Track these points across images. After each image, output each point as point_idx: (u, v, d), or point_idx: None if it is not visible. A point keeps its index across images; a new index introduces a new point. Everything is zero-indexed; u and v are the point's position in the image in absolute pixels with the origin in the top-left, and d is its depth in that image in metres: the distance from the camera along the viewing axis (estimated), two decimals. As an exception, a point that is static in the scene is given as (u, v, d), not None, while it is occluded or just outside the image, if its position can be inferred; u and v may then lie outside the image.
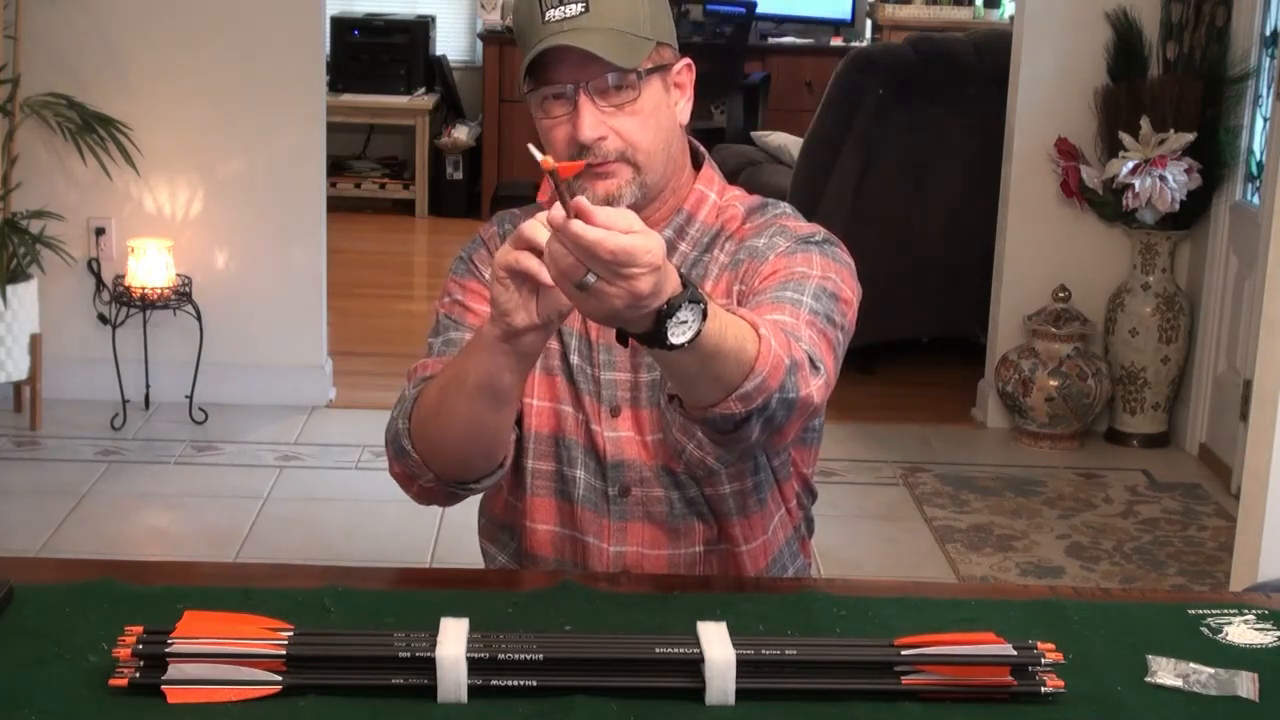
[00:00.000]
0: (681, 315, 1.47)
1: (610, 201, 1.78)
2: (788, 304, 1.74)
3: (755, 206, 1.92)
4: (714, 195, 1.92)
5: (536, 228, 1.54)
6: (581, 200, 1.41)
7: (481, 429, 1.73)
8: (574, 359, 1.89)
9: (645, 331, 1.49)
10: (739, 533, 1.91)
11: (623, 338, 1.55)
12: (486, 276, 1.86)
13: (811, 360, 1.67)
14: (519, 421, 1.87)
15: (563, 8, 1.74)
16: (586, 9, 1.74)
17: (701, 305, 1.48)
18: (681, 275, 1.49)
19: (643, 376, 1.87)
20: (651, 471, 1.88)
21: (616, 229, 1.41)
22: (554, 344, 1.89)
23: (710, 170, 1.94)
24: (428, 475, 1.79)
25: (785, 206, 1.93)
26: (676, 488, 1.89)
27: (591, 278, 1.42)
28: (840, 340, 1.79)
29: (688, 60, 1.86)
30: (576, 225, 1.40)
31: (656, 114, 1.81)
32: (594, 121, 1.76)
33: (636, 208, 1.72)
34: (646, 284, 1.43)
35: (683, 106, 1.87)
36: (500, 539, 1.99)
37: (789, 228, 1.87)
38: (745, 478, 1.89)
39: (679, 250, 1.88)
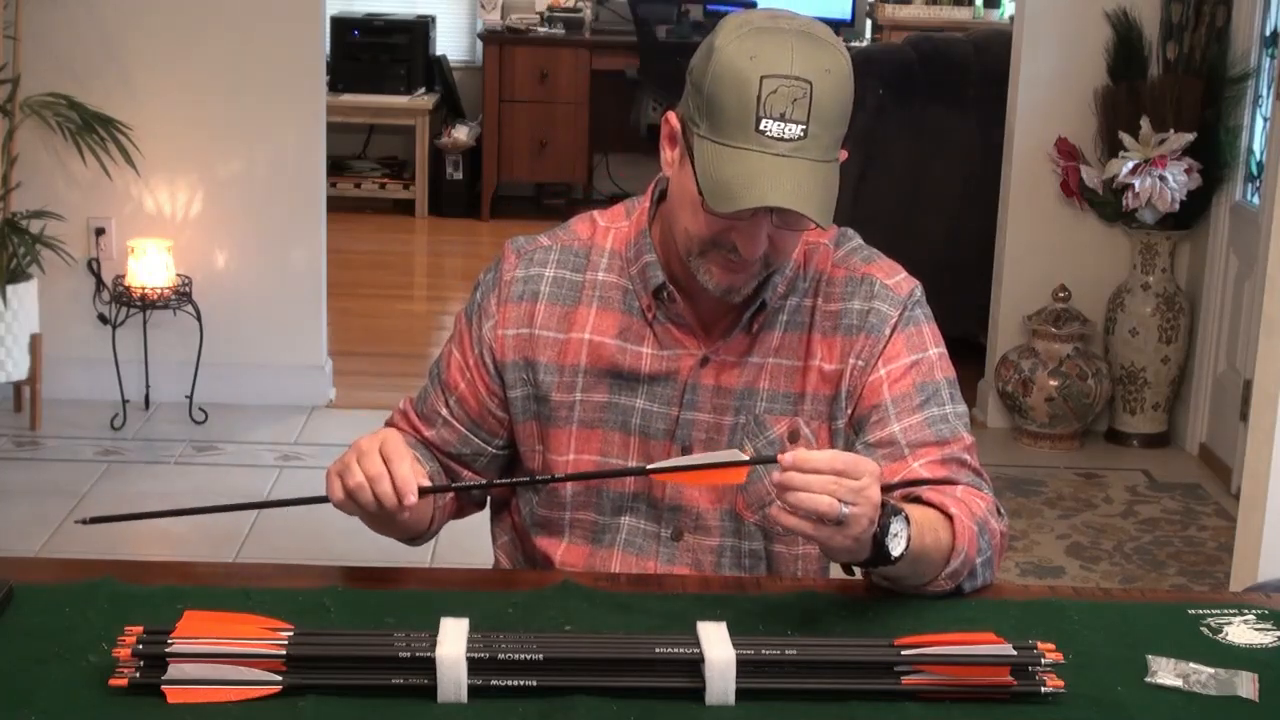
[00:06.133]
0: (893, 528, 1.59)
1: (731, 292, 1.72)
2: (946, 435, 1.78)
3: (834, 238, 1.86)
4: None
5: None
6: (793, 457, 1.53)
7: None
8: (640, 402, 1.81)
9: (869, 557, 1.61)
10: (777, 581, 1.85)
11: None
12: (495, 332, 1.84)
13: (996, 507, 1.76)
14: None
15: (784, 125, 1.60)
16: (805, 134, 1.61)
17: (902, 513, 1.61)
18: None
19: (726, 419, 1.80)
20: (713, 518, 1.83)
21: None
22: (599, 396, 1.81)
23: None
24: None
25: (854, 236, 1.88)
26: (735, 536, 1.84)
27: (845, 509, 1.52)
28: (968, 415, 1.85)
29: (845, 153, 1.71)
30: (817, 460, 1.52)
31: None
32: (762, 240, 1.68)
33: None
34: (877, 492, 1.54)
35: None
36: (520, 564, 1.95)
37: (886, 286, 1.83)
38: None
39: (789, 303, 1.81)
